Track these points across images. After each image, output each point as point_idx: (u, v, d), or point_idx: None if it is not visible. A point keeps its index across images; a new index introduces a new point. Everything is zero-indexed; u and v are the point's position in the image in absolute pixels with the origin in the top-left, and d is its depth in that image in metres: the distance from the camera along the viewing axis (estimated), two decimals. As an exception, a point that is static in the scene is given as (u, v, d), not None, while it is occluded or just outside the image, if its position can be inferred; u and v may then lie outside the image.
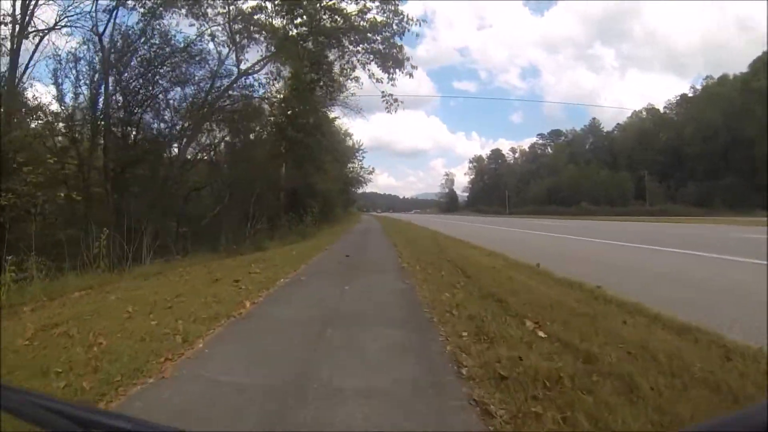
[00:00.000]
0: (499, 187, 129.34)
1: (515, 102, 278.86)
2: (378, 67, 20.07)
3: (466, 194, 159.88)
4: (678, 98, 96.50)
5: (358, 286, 7.55)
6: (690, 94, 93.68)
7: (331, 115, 42.43)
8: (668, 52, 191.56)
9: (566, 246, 15.86)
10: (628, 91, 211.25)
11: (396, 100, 20.66)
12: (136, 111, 18.40)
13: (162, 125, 20.02)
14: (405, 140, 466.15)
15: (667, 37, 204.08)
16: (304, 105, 21.63)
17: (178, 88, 20.07)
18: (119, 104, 18.00)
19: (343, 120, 42.90)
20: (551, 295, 6.00)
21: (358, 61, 20.53)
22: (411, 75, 20.23)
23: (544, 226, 27.73)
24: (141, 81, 18.14)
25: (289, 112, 22.27)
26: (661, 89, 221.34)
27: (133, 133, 18.85)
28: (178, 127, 20.15)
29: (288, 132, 22.11)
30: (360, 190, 72.23)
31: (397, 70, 19.85)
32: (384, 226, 32.44)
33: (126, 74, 17.87)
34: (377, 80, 20.19)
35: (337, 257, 12.32)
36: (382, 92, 20.61)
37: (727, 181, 71.85)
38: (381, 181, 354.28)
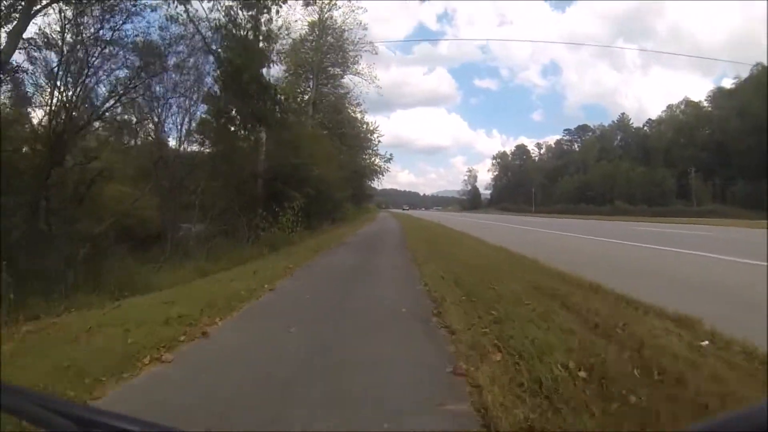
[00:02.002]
0: (524, 184, 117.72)
1: (536, 100, 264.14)
2: None
3: (489, 192, 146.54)
4: (714, 91, 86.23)
5: None
6: (729, 86, 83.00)
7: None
8: (693, 49, 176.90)
9: None
10: (651, 88, 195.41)
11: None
12: None
13: None
14: (425, 137, 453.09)
15: (691, 34, 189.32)
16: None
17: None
18: None
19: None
20: None
21: None
22: None
23: (662, 236, 16.51)
24: None
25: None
26: (685, 87, 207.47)
27: None
28: None
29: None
30: (379, 186, 61.38)
31: None
32: (406, 232, 20.56)
33: None
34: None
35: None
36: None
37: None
38: (401, 178, 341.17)
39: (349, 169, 31.71)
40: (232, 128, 15.39)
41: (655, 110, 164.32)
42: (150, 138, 18.13)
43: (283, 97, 16.24)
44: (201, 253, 13.47)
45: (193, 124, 18.06)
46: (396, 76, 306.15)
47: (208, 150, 18.11)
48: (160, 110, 17.04)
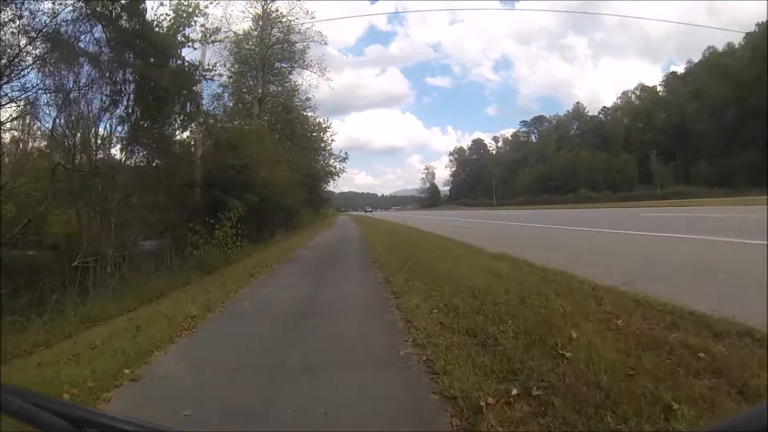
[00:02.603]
0: (483, 178, 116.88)
1: (489, 95, 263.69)
2: None
3: (447, 188, 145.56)
4: (668, 75, 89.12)
5: None
6: (681, 71, 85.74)
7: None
8: (641, 37, 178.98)
9: None
10: (603, 78, 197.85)
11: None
12: None
13: None
14: (380, 139, 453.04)
15: (638, 23, 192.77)
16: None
17: None
18: None
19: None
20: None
21: None
22: None
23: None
24: None
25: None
26: (634, 75, 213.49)
27: None
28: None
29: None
30: (337, 189, 58.15)
31: None
32: (370, 238, 16.22)
33: None
34: None
35: None
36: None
37: (747, 158, 59.57)
38: (359, 180, 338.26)
39: (301, 172, 28.48)
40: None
41: (608, 99, 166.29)
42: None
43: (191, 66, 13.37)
44: (107, 286, 10.30)
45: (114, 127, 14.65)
46: (349, 79, 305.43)
47: (132, 157, 14.90)
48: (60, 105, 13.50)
